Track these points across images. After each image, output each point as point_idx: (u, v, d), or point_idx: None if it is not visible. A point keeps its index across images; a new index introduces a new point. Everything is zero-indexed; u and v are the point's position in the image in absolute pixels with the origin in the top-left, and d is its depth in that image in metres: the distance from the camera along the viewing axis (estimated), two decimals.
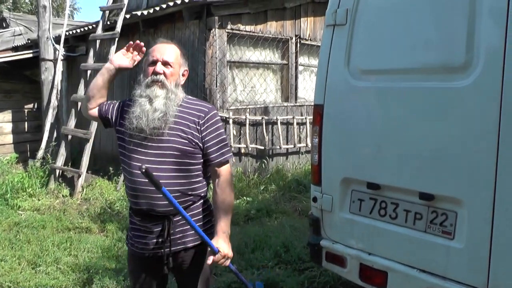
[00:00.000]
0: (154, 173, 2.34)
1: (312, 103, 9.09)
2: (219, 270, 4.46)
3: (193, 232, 2.53)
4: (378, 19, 3.08)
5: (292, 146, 8.95)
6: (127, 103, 2.66)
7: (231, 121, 7.85)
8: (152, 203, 2.49)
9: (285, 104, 8.94)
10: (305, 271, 4.50)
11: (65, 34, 10.02)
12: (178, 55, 2.62)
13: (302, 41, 9.12)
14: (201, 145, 2.56)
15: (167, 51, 2.57)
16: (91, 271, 4.71)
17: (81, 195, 7.90)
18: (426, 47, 2.82)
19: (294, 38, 8.94)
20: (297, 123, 9.00)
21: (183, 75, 2.68)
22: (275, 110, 8.70)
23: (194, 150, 2.55)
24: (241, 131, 8.19)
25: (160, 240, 2.56)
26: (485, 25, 2.58)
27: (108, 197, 7.52)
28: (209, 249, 2.47)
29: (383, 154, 3.03)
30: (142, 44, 2.63)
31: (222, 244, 2.46)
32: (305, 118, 9.13)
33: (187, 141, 2.52)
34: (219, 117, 2.67)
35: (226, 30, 7.79)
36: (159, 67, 2.53)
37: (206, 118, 2.57)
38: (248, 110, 8.20)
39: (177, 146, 2.50)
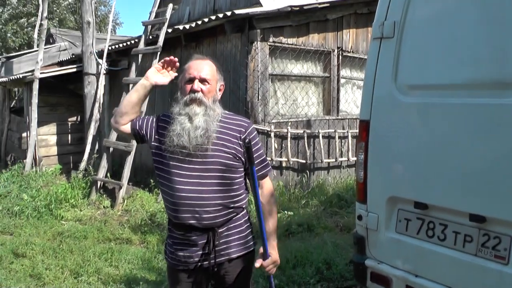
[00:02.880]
0: (198, 187, 2.49)
1: (354, 117, 9.14)
2: (261, 286, 4.40)
3: (236, 243, 2.63)
4: (427, 32, 2.97)
5: (334, 160, 8.84)
6: (162, 119, 2.68)
7: (272, 134, 7.80)
8: (197, 217, 2.52)
9: (327, 117, 8.84)
10: None
11: (108, 49, 10.21)
12: (214, 70, 2.64)
13: (344, 53, 9.01)
14: (243, 159, 2.61)
15: (203, 68, 2.58)
16: (131, 283, 4.72)
17: (122, 207, 7.99)
18: (476, 62, 2.71)
19: (336, 50, 8.84)
20: (339, 137, 8.89)
21: (220, 90, 2.70)
22: (316, 124, 8.61)
23: (237, 164, 2.60)
24: (283, 145, 8.13)
25: (205, 252, 2.59)
26: None
27: (149, 209, 7.58)
28: (260, 252, 2.57)
29: (431, 172, 2.92)
30: (176, 59, 2.66)
31: (272, 250, 2.60)
32: (347, 132, 9.02)
33: (231, 156, 2.56)
34: (256, 132, 2.74)
35: (268, 43, 7.77)
36: (197, 85, 2.54)
37: (247, 133, 2.63)
38: (289, 123, 8.14)
39: (221, 160, 2.54)
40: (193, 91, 2.53)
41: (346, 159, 9.05)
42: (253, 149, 2.56)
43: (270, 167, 2.77)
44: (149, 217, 7.17)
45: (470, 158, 2.73)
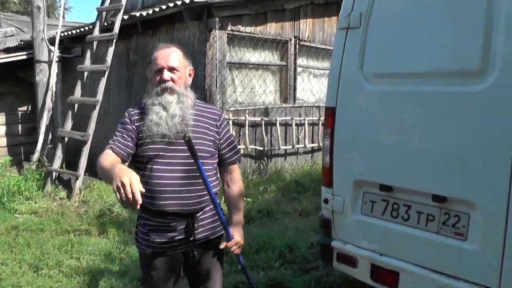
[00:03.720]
0: (182, 174, 2.55)
1: (310, 105, 9.27)
2: (226, 272, 4.46)
3: (211, 226, 2.70)
4: (393, 22, 3.09)
5: (291, 147, 8.97)
6: (134, 113, 2.65)
7: (230, 122, 7.84)
8: (181, 203, 2.56)
9: (284, 105, 8.95)
10: (311, 270, 4.52)
11: (60, 35, 9.95)
12: (181, 57, 2.63)
13: (301, 43, 9.13)
14: (219, 146, 2.72)
15: (170, 56, 2.58)
16: (95, 274, 4.69)
17: (79, 198, 7.86)
18: (441, 52, 2.84)
19: (293, 40, 8.94)
20: (296, 124, 9.02)
21: (189, 75, 2.71)
22: (274, 111, 8.71)
23: (215, 151, 2.70)
24: (241, 132, 8.19)
25: (184, 236, 2.63)
26: (502, 30, 2.60)
27: (107, 199, 7.50)
28: (224, 236, 2.69)
29: (396, 156, 3.05)
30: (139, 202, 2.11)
31: (236, 232, 2.69)
32: (304, 119, 9.16)
33: (212, 143, 2.66)
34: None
35: (226, 31, 7.78)
36: (166, 75, 2.55)
37: (220, 120, 2.73)
38: (247, 111, 8.20)
39: (205, 148, 2.61)
40: (163, 81, 2.55)
41: (303, 146, 9.20)
42: (225, 136, 2.74)
43: (240, 153, 2.87)
44: (108, 207, 7.09)
45: (432, 143, 2.88)
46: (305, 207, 6.98)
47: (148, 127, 2.53)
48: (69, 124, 8.60)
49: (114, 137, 2.62)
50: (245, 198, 7.19)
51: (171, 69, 2.56)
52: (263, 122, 8.42)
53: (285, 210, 6.88)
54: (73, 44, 10.52)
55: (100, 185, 8.13)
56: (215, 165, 2.74)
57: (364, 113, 3.22)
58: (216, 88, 7.67)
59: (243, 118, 8.09)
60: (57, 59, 9.87)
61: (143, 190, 2.11)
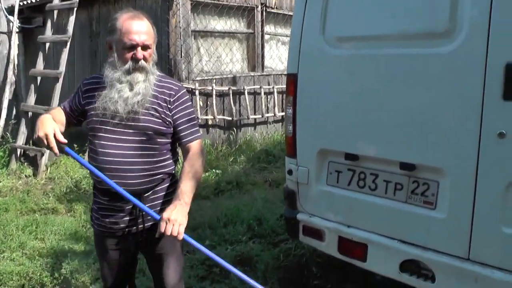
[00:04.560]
0: (124, 152, 2.39)
1: (279, 73, 9.12)
2: (191, 248, 4.34)
3: (162, 207, 2.47)
4: None
5: (260, 116, 8.84)
6: (89, 82, 2.53)
7: (197, 92, 7.66)
8: (123, 182, 2.38)
9: (252, 73, 8.78)
10: (280, 244, 4.42)
11: (19, 5, 9.53)
12: (152, 31, 2.42)
13: (268, 10, 8.94)
14: (172, 124, 2.49)
15: (144, 32, 2.35)
16: (59, 255, 4.52)
17: (46, 175, 7.62)
18: (407, 13, 2.71)
19: (260, 7, 8.75)
20: (265, 93, 8.88)
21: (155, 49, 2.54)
22: (242, 80, 8.53)
23: (167, 130, 2.48)
24: (208, 102, 8.01)
25: (132, 217, 2.49)
26: None
27: (74, 175, 7.27)
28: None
29: (361, 123, 2.94)
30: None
31: (169, 212, 2.29)
32: (273, 88, 9.02)
33: (160, 121, 2.44)
34: (188, 96, 2.59)
35: None
36: (140, 53, 2.34)
37: (176, 97, 2.48)
38: (214, 80, 8.02)
39: (150, 125, 2.42)
40: (136, 59, 2.34)
41: (273, 114, 9.08)
42: (179, 114, 2.49)
43: (200, 133, 2.61)
44: (75, 184, 6.88)
45: (399, 108, 2.77)
46: (276, 177, 6.88)
47: (103, 103, 2.38)
48: (32, 98, 8.29)
49: (67, 100, 2.63)
50: (214, 170, 7.08)
51: (145, 47, 2.36)
52: (231, 92, 8.24)
53: (255, 181, 6.77)
54: (34, 13, 10.09)
55: (67, 161, 7.88)
56: (168, 144, 2.54)
57: (327, 79, 3.08)
58: (181, 57, 7.45)
59: (210, 88, 7.90)
60: (17, 30, 9.48)
61: (65, 141, 2.33)
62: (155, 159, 2.47)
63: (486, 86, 2.42)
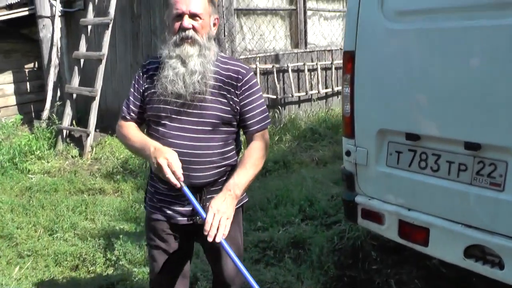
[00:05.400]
0: (191, 143, 2.27)
1: (322, 49, 8.94)
2: (245, 229, 4.31)
3: None
4: None
5: (304, 93, 8.70)
6: (149, 68, 2.39)
7: None
8: (187, 175, 2.24)
9: (295, 50, 8.61)
10: (332, 226, 4.33)
11: None
12: (206, 2, 2.27)
13: None
14: (239, 111, 2.33)
15: (192, 1, 2.21)
16: (110, 236, 4.56)
17: (91, 155, 7.71)
18: None
19: None
20: (308, 70, 8.71)
21: (214, 24, 2.36)
22: (285, 58, 8.38)
23: (234, 118, 2.34)
24: None
25: (191, 208, 2.36)
26: None
27: (119, 156, 7.33)
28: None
29: (423, 102, 2.79)
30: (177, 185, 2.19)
31: (218, 202, 2.13)
32: (316, 64, 8.83)
33: (229, 109, 2.30)
34: (256, 80, 2.41)
35: None
36: (187, 21, 2.20)
37: (244, 81, 2.32)
38: (258, 58, 7.89)
39: (218, 114, 2.28)
40: (183, 29, 2.21)
41: (317, 91, 8.91)
42: (247, 99, 2.33)
43: (269, 120, 2.45)
44: (121, 164, 6.93)
45: (464, 85, 2.61)
46: (322, 155, 6.79)
47: (161, 85, 2.25)
48: (76, 80, 8.38)
49: (126, 101, 2.45)
50: None
51: (193, 16, 2.21)
52: (274, 70, 8.11)
53: (301, 160, 6.69)
54: None
55: (112, 141, 7.96)
56: (234, 134, 2.40)
57: (386, 56, 2.93)
58: (224, 36, 7.35)
59: (253, 66, 7.78)
60: (59, 14, 9.54)
61: (181, 177, 2.17)
62: (221, 150, 2.34)
63: None
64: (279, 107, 8.33)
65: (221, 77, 2.29)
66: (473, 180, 2.65)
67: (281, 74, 8.33)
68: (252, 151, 2.32)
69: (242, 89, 2.31)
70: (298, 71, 8.64)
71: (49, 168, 7.20)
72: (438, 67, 2.71)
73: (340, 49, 9.33)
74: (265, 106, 2.42)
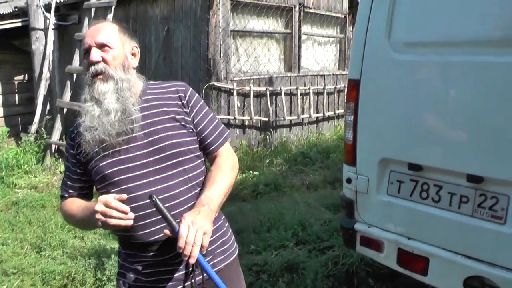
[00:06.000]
0: (161, 186, 1.89)
1: (315, 73, 9.03)
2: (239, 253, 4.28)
3: (222, 249, 2.05)
4: None
5: (296, 117, 8.77)
6: (76, 128, 1.99)
7: (235, 92, 7.62)
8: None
9: (289, 74, 8.71)
10: (326, 250, 4.33)
11: (56, 2, 9.58)
12: (116, 31, 2.01)
13: (305, 10, 8.87)
14: (195, 130, 2.03)
15: (98, 31, 1.96)
16: (101, 255, 4.48)
17: None
18: (482, 17, 2.56)
19: (297, 7, 8.70)
20: (301, 94, 8.80)
21: (132, 54, 2.05)
22: (278, 81, 8.48)
23: (194, 140, 2.02)
24: (245, 103, 7.96)
25: (185, 271, 1.96)
26: None
27: None
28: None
29: (427, 133, 2.81)
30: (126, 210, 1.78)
31: (192, 215, 1.76)
32: (309, 89, 8.94)
33: (185, 131, 1.99)
34: (197, 94, 2.12)
35: None
36: (94, 54, 1.91)
37: (188, 97, 2.04)
38: (252, 80, 7.95)
39: (177, 141, 1.95)
40: (91, 63, 1.91)
41: (308, 116, 9.00)
42: (200, 114, 2.04)
43: (228, 131, 2.16)
44: None
45: (468, 118, 2.64)
46: (313, 180, 6.80)
47: (82, 137, 1.90)
48: (67, 94, 8.33)
49: (63, 178, 2.11)
50: (251, 172, 7.02)
51: (101, 46, 1.93)
52: (268, 92, 8.18)
53: (292, 183, 6.71)
54: (70, 11, 10.13)
55: None
56: (201, 158, 2.07)
57: (391, 86, 2.96)
58: (220, 57, 7.39)
59: (247, 88, 7.84)
60: (53, 27, 9.54)
61: (124, 198, 1.78)
62: (196, 182, 2.00)
63: None
64: (271, 129, 8.37)
65: (161, 102, 2.01)
66: (474, 212, 2.66)
67: (274, 97, 8.40)
68: (221, 165, 2.04)
69: (190, 105, 2.03)
70: (290, 94, 8.71)
71: (36, 183, 7.11)
72: (443, 99, 2.74)
73: (333, 74, 9.44)
74: (217, 118, 2.16)
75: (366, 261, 3.89)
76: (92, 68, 1.91)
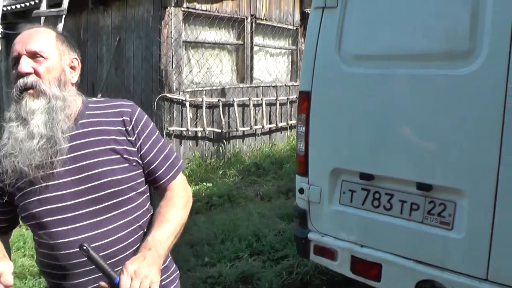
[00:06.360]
0: (97, 231, 1.61)
1: (268, 84, 9.10)
2: (193, 264, 4.26)
3: None
4: (373, 1, 2.91)
5: (249, 128, 8.81)
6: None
7: (187, 104, 7.60)
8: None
9: (241, 85, 8.76)
10: (280, 260, 4.35)
11: (3, 10, 9.32)
12: (54, 39, 1.68)
13: (257, 21, 8.95)
14: (140, 161, 1.74)
15: (31, 38, 1.64)
16: None
17: None
18: (426, 32, 2.67)
19: (249, 18, 8.76)
20: (253, 105, 8.84)
21: (72, 68, 1.73)
22: (231, 92, 8.50)
23: (139, 174, 1.74)
24: (198, 114, 7.94)
25: None
26: (490, 9, 2.45)
27: None
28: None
29: (377, 143, 2.89)
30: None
31: (135, 263, 1.47)
32: (261, 100, 8.99)
33: (127, 164, 1.68)
34: (147, 116, 1.82)
35: (182, 9, 7.50)
36: (24, 64, 1.59)
37: (134, 122, 1.73)
38: (204, 92, 7.95)
39: (116, 177, 1.64)
40: (20, 75, 1.59)
41: (261, 126, 9.05)
42: (148, 142, 1.75)
43: (181, 161, 1.89)
44: None
45: (416, 128, 2.74)
46: (267, 190, 6.83)
47: (2, 165, 1.59)
48: None
49: None
50: (204, 184, 7.00)
51: (33, 55, 1.61)
52: (220, 103, 8.19)
53: (246, 194, 6.71)
54: (18, 19, 9.88)
55: None
56: (147, 193, 1.79)
57: (341, 98, 3.03)
58: (172, 68, 7.37)
59: (200, 99, 7.83)
60: (0, 36, 9.29)
61: (8, 284, 1.44)
62: (140, 223, 1.73)
63: (506, 107, 2.40)
64: (224, 141, 8.38)
65: (100, 128, 1.68)
66: (424, 219, 2.75)
67: (226, 108, 8.41)
68: (172, 201, 1.76)
69: (136, 132, 1.72)
70: (243, 105, 8.76)
71: None
72: (392, 110, 2.83)
73: (285, 85, 9.54)
74: (168, 146, 1.86)
75: (321, 270, 3.94)
76: (21, 81, 1.58)
